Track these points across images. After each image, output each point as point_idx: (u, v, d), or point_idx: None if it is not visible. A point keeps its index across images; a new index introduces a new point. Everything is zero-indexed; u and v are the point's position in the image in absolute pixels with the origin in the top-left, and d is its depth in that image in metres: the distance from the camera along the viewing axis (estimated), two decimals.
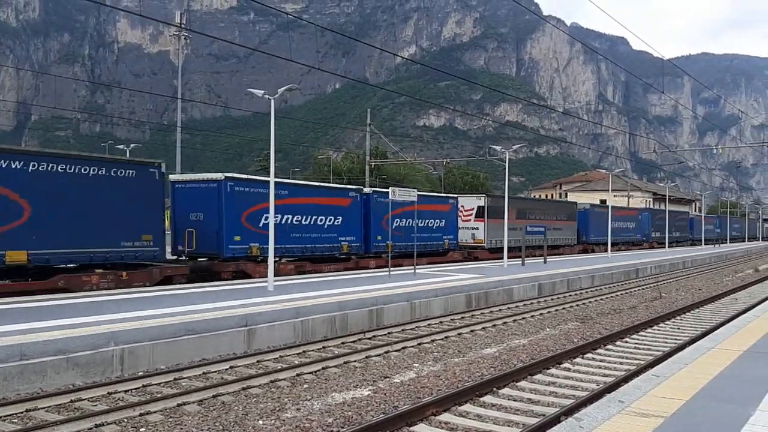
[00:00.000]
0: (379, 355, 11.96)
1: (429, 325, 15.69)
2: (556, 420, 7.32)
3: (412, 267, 23.86)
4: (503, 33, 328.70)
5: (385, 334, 14.23)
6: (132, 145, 53.75)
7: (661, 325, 16.10)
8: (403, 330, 14.84)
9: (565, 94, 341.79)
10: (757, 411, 6.15)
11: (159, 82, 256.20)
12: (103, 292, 16.55)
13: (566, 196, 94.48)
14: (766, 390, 6.91)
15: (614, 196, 64.81)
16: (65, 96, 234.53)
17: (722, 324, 14.20)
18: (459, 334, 14.39)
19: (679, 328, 15.57)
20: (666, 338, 14.13)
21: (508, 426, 7.84)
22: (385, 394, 9.28)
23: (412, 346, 12.81)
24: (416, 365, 11.26)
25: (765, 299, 19.68)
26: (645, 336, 14.43)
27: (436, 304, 17.55)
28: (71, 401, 8.63)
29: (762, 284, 27.99)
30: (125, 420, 7.94)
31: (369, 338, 13.73)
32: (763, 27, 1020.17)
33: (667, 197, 68.86)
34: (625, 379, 9.47)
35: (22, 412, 8.12)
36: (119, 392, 9.17)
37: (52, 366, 9.35)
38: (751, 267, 40.26)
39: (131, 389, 9.34)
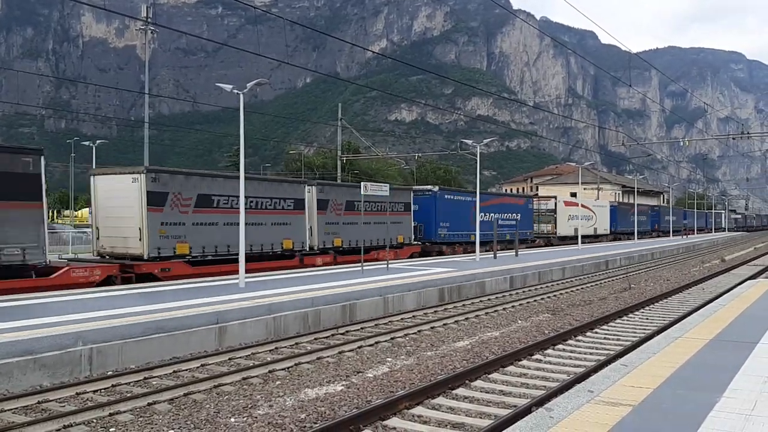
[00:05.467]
0: (352, 350, 11.94)
1: (402, 319, 15.71)
2: (527, 411, 7.37)
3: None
4: (474, 27, 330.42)
5: (358, 329, 14.21)
6: (98, 142, 52.80)
7: (631, 315, 16.34)
8: (376, 325, 14.84)
9: (536, 87, 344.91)
10: (723, 398, 6.29)
11: (125, 77, 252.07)
12: (71, 291, 16.27)
13: (537, 190, 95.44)
14: (731, 377, 7.06)
15: (584, 188, 65.71)
16: (29, 92, 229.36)
17: (690, 313, 14.45)
18: (432, 327, 14.44)
19: (647, 318, 15.83)
20: (635, 328, 14.35)
21: (481, 418, 7.89)
22: (358, 388, 9.28)
23: (386, 341, 12.82)
24: (389, 359, 11.27)
25: (730, 289, 20.06)
26: (615, 326, 14.64)
27: (409, 298, 17.59)
28: (38, 402, 8.48)
29: (727, 274, 28.55)
30: (94, 420, 7.82)
31: (342, 334, 13.70)
32: (726, 20, 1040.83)
33: (636, 189, 70.01)
34: (595, 369, 9.58)
35: None
36: (88, 392, 9.02)
37: (18, 367, 9.15)
38: (717, 257, 41.08)
39: (100, 389, 9.20)
